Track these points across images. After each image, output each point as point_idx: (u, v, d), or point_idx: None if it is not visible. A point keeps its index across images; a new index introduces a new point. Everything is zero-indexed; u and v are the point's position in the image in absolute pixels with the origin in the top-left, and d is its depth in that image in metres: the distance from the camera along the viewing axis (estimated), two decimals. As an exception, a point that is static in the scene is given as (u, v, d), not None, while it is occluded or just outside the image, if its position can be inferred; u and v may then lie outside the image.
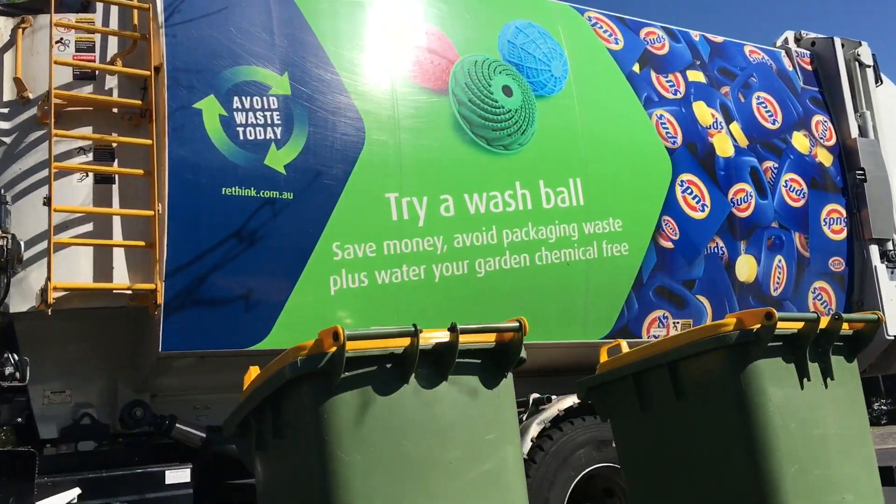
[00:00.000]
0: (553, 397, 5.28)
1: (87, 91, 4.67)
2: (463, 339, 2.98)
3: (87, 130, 4.64)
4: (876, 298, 6.88)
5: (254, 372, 3.21)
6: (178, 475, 4.56)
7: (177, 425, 4.85)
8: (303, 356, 2.88)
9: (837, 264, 6.90)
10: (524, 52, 5.83)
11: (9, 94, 4.59)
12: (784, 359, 3.38)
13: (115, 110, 4.72)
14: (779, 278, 6.59)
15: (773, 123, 6.89)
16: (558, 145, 5.75)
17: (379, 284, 5.01)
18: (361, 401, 2.84)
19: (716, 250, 6.30)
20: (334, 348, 2.81)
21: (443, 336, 2.99)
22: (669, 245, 6.07)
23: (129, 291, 4.50)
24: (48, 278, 4.22)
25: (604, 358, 3.85)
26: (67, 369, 4.82)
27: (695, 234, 6.22)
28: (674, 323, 6.09)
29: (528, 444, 4.97)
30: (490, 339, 3.13)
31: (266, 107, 4.83)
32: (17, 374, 4.38)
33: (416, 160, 5.21)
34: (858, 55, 7.39)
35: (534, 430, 5.05)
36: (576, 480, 5.13)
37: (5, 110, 4.57)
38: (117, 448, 5.00)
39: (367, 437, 2.82)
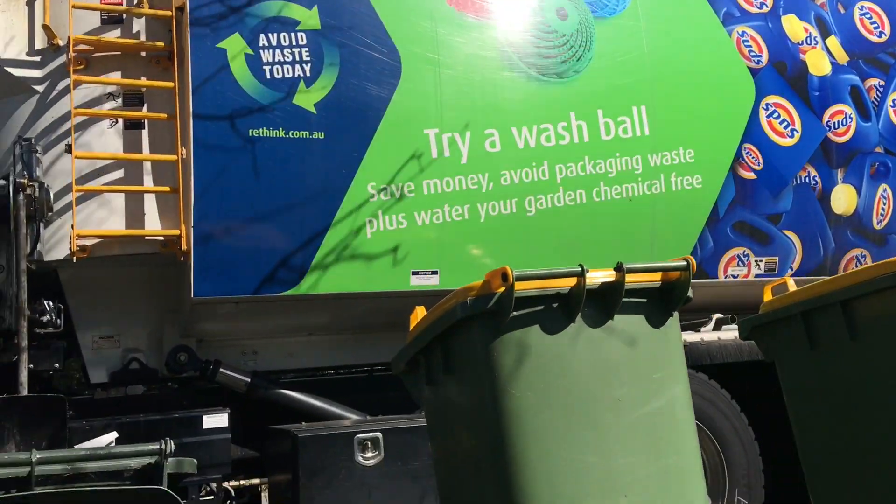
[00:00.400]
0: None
1: (114, 35, 4.61)
2: (629, 278, 2.99)
3: (116, 75, 4.60)
4: None
5: (420, 312, 3.26)
6: (216, 420, 4.56)
7: (221, 370, 4.84)
8: (472, 296, 2.91)
9: (956, 193, 6.14)
10: (583, -32, 5.36)
11: (40, 42, 4.58)
12: None
13: (143, 54, 4.65)
14: (883, 209, 5.93)
15: (880, 36, 6.12)
16: (620, 71, 5.28)
17: (419, 226, 4.79)
18: (529, 339, 2.90)
19: (807, 180, 5.70)
20: (503, 289, 2.85)
21: (608, 276, 3.00)
22: (751, 175, 5.54)
23: (161, 238, 4.48)
24: (72, 226, 4.23)
25: (768, 297, 3.63)
26: (116, 315, 4.86)
27: (781, 163, 5.64)
28: (756, 261, 5.58)
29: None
30: (656, 278, 3.11)
31: (294, 43, 4.63)
32: (55, 321, 4.44)
33: (457, 93, 4.90)
34: None
35: None
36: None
37: (37, 58, 4.57)
38: (166, 392, 5.06)
39: (535, 374, 2.88)
